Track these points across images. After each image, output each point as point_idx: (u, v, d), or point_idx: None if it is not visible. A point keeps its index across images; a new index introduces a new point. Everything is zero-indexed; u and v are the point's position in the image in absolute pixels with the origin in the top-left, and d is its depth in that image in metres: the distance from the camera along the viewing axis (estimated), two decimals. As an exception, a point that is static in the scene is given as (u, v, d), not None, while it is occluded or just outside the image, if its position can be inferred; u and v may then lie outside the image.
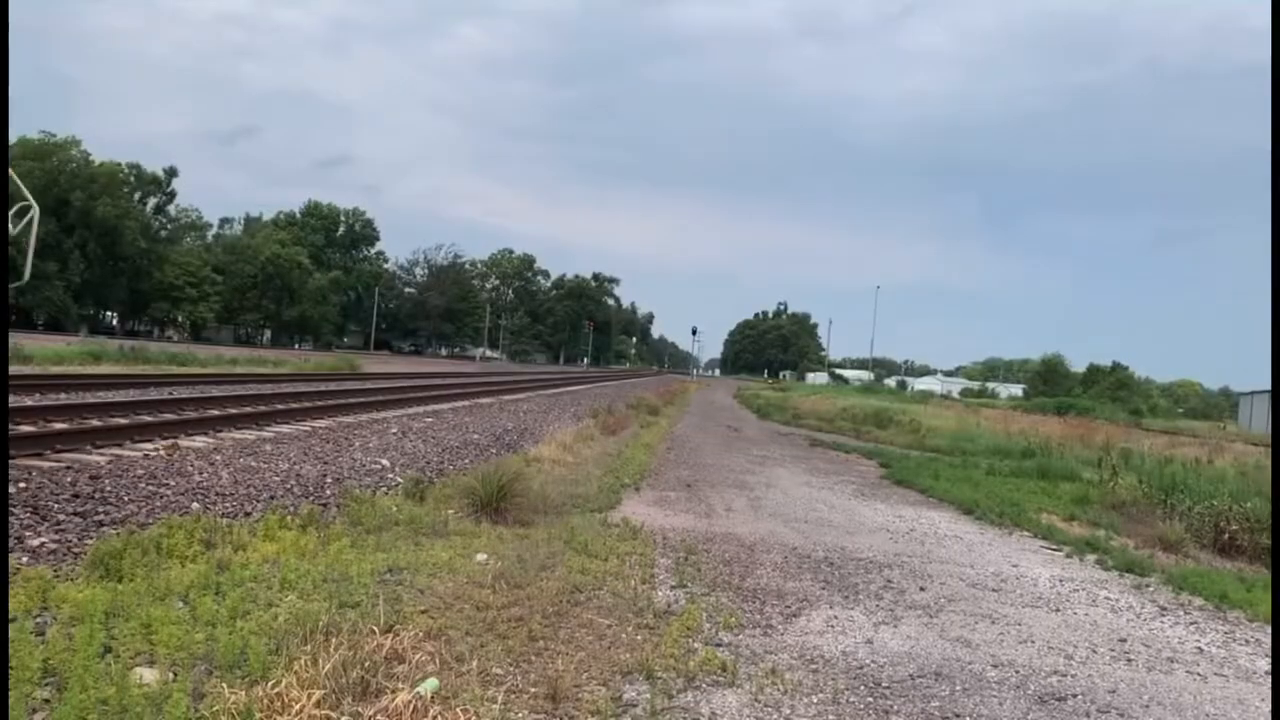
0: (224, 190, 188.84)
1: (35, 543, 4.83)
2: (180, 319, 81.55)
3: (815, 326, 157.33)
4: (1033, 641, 5.12)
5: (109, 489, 6.03)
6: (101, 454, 7.11)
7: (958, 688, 4.16)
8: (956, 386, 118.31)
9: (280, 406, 13.00)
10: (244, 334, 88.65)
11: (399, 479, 8.40)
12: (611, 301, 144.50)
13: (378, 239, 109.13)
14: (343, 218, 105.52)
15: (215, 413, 10.95)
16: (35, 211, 5.81)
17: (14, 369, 16.21)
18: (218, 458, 7.71)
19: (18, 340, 25.87)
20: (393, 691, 3.07)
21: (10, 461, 6.28)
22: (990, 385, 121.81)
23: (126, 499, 5.96)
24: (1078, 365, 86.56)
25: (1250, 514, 9.27)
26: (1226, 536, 9.16)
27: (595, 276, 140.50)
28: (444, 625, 4.15)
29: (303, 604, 4.14)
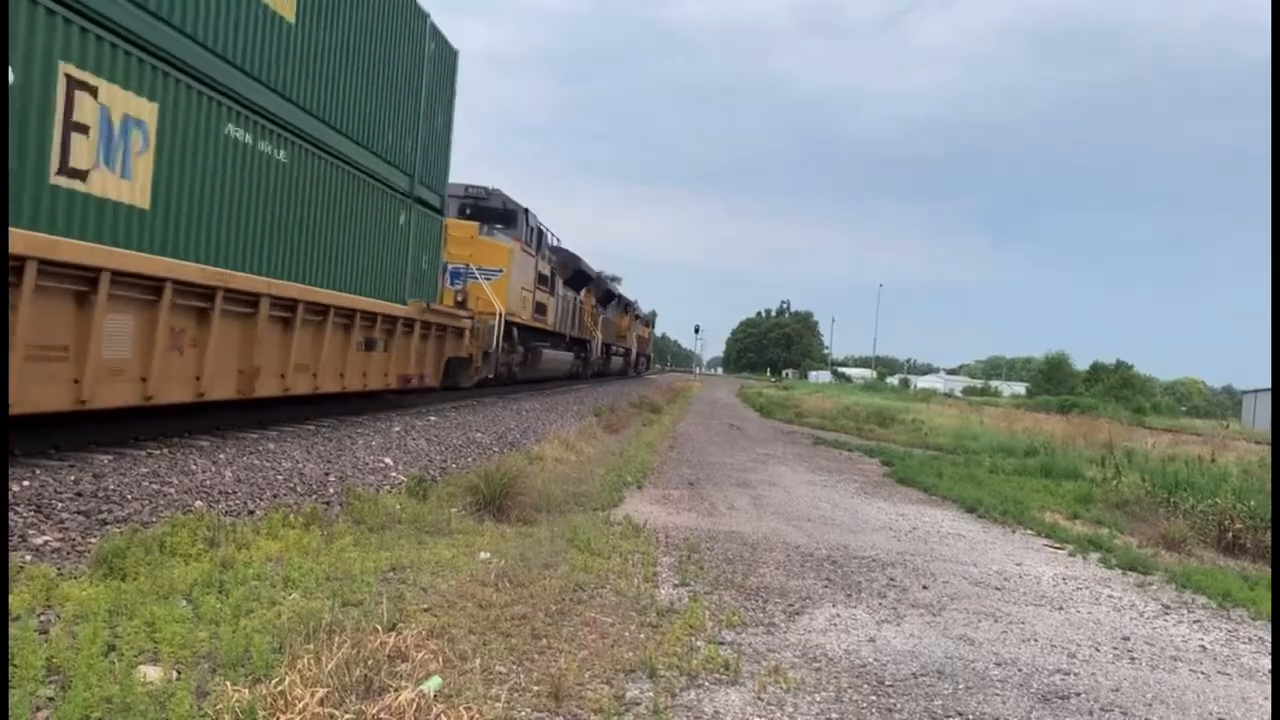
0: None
1: (39, 541, 4.84)
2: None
3: (818, 325, 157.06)
4: (1036, 640, 5.11)
5: (112, 487, 6.04)
6: (105, 452, 7.12)
7: (960, 686, 4.16)
8: (959, 384, 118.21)
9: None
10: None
11: (402, 477, 8.41)
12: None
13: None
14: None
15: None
16: None
17: None
18: (221, 456, 7.72)
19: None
20: (396, 690, 3.08)
21: (11, 460, 6.29)
22: (993, 383, 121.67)
23: (130, 497, 5.96)
24: (1081, 363, 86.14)
25: (1254, 512, 9.26)
26: (1230, 535, 9.14)
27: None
28: (447, 623, 4.16)
29: (306, 602, 4.14)
